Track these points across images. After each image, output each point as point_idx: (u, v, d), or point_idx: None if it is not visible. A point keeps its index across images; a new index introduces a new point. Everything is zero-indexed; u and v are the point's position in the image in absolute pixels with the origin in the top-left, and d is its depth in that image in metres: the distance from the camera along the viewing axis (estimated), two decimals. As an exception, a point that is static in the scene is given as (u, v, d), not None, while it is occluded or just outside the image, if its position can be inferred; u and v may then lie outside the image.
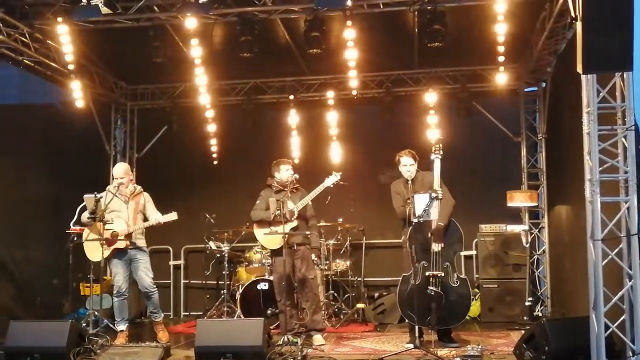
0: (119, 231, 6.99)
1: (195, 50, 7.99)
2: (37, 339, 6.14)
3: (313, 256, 7.44)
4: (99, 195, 6.75)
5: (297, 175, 7.14)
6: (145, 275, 7.14)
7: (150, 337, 7.37)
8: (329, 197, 7.30)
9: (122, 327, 7.17)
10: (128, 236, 7.05)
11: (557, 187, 8.81)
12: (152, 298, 7.22)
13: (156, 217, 7.11)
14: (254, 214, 7.20)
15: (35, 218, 8.87)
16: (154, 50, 7.65)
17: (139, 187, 7.35)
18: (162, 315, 7.44)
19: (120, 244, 7.00)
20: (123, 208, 7.12)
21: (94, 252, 7.00)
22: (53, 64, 8.28)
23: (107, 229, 6.80)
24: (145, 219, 7.19)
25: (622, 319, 5.10)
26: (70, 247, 8.12)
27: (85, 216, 6.94)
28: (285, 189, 7.05)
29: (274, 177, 7.27)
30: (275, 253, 7.16)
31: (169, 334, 7.56)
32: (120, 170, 7.24)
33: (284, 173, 7.17)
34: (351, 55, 7.76)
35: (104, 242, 6.72)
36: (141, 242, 7.20)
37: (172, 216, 7.09)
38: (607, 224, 5.11)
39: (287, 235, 6.71)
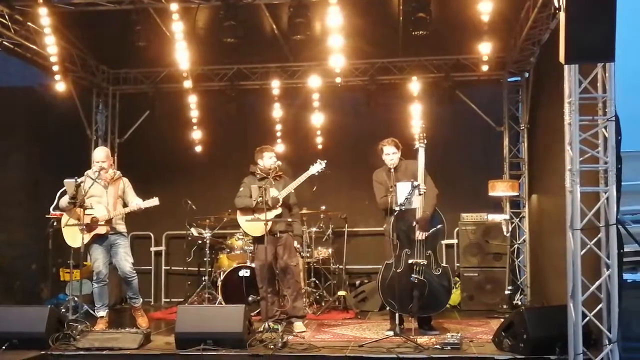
0: (99, 217, 6.93)
1: (179, 35, 7.90)
2: (15, 324, 6.11)
3: (295, 243, 7.44)
4: (79, 180, 6.68)
5: (280, 162, 7.12)
6: (125, 261, 7.08)
7: (130, 323, 7.35)
8: (315, 187, 7.29)
9: (102, 313, 7.12)
10: (108, 222, 6.99)
11: (538, 176, 8.87)
12: (132, 283, 7.17)
13: (137, 202, 7.04)
14: (238, 200, 7.18)
15: (14, 202, 8.77)
16: (136, 34, 7.53)
17: (118, 172, 7.29)
18: (141, 300, 7.40)
19: (101, 230, 6.95)
20: (103, 193, 7.05)
21: (74, 237, 6.94)
22: (33, 47, 8.14)
23: (87, 215, 6.75)
24: (125, 205, 7.13)
25: (599, 307, 5.16)
26: (50, 232, 8.05)
27: (64, 201, 6.86)
28: (269, 176, 7.03)
29: (257, 164, 7.24)
30: (258, 240, 7.15)
31: (149, 320, 7.53)
32: (102, 154, 7.16)
33: (267, 160, 7.15)
34: (335, 42, 7.71)
35: (84, 227, 6.67)
36: (121, 227, 7.15)
37: (154, 201, 7.02)
38: (586, 214, 5.16)
39: (269, 223, 6.70)
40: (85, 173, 7.11)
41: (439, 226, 6.62)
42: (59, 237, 7.45)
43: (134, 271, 7.19)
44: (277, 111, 9.93)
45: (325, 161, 6.97)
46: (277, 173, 7.14)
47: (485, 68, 8.72)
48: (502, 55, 9.11)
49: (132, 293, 7.25)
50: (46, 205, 7.58)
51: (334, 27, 7.32)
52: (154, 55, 8.88)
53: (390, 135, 6.90)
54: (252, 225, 7.00)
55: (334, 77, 9.35)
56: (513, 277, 8.99)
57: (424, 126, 6.77)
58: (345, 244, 9.16)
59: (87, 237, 6.83)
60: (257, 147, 7.34)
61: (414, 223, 6.49)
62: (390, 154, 6.70)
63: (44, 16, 7.44)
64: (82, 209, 6.61)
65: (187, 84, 9.29)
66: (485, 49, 8.01)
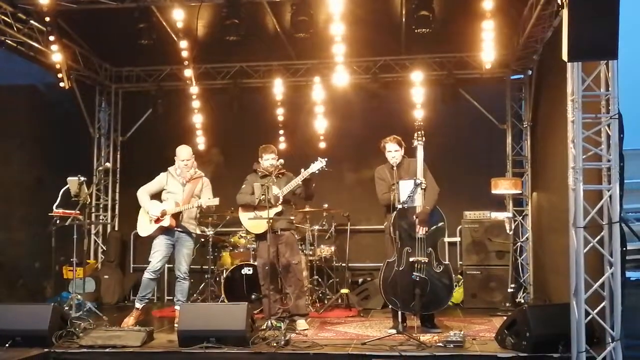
0: (167, 209, 7.04)
1: (182, 33, 7.91)
2: (19, 322, 6.11)
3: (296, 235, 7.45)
4: (82, 178, 6.71)
5: (282, 161, 7.12)
6: (184, 261, 7.20)
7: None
8: (314, 184, 7.28)
9: (138, 305, 7.20)
10: (175, 217, 7.07)
11: (541, 174, 8.85)
12: (183, 285, 7.23)
13: (200, 200, 7.13)
14: (239, 197, 7.19)
15: (18, 200, 8.79)
16: (139, 32, 7.55)
17: (199, 172, 7.39)
18: None
19: (165, 222, 7.04)
20: (179, 190, 7.20)
21: (143, 227, 7.17)
22: (36, 45, 8.17)
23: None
24: None
25: (602, 305, 5.16)
26: (53, 230, 8.05)
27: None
28: (271, 174, 7.03)
29: (260, 162, 7.24)
30: (260, 238, 7.15)
31: (153, 318, 7.55)
32: (187, 153, 7.28)
33: (265, 162, 7.14)
34: (338, 39, 7.71)
35: (151, 218, 6.96)
36: (191, 227, 7.27)
37: (215, 201, 7.12)
38: (589, 212, 5.15)
39: (271, 220, 6.70)
40: (168, 169, 7.32)
41: (440, 224, 6.61)
42: (63, 235, 7.47)
43: (187, 275, 7.25)
44: (279, 109, 9.93)
45: (326, 159, 6.94)
46: (279, 171, 7.14)
47: (488, 66, 8.69)
48: (505, 53, 9.09)
49: (180, 296, 7.25)
50: (49, 203, 7.61)
51: (336, 25, 7.32)
52: (157, 53, 8.90)
53: (393, 133, 6.87)
54: (253, 223, 7.00)
55: (336, 75, 9.33)
56: (516, 275, 8.99)
57: (421, 124, 6.75)
58: (348, 241, 9.16)
59: (154, 227, 7.03)
60: (259, 145, 7.33)
61: (415, 217, 6.48)
62: (392, 151, 6.69)
63: (47, 14, 7.44)
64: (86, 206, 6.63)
65: (194, 89, 9.37)
66: (488, 46, 7.96)
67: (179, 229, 7.12)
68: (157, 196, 7.28)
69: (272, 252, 6.95)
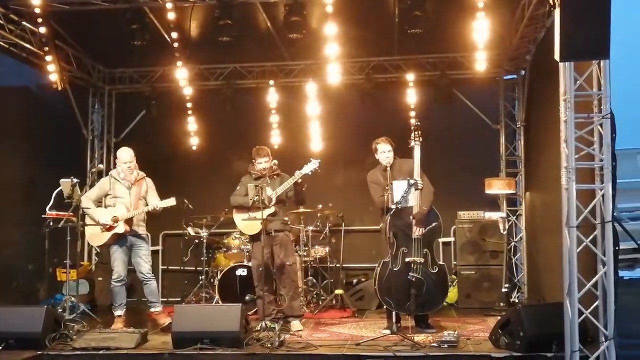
0: (119, 216, 6.94)
1: (174, 34, 7.89)
2: (12, 324, 6.10)
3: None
4: (75, 180, 6.69)
5: (276, 161, 7.12)
6: (144, 262, 7.13)
7: (128, 323, 7.30)
8: (305, 186, 7.28)
9: (119, 312, 7.15)
10: (128, 222, 7.00)
11: (535, 174, 8.87)
12: (150, 286, 7.18)
13: (154, 202, 7.06)
14: (233, 199, 7.19)
15: (10, 202, 8.73)
16: (131, 33, 7.53)
17: (142, 173, 7.33)
18: (161, 306, 7.33)
19: (119, 229, 6.96)
20: (126, 194, 7.09)
21: (93, 237, 7.04)
22: (28, 46, 8.13)
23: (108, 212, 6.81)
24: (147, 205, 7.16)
25: (595, 305, 5.18)
26: (46, 232, 8.02)
27: (86, 197, 6.98)
28: (264, 176, 7.04)
29: (253, 164, 7.24)
30: (254, 239, 7.15)
31: (147, 320, 7.52)
32: (128, 155, 7.20)
33: (258, 165, 7.13)
34: (331, 40, 7.72)
35: (103, 227, 6.82)
36: (142, 229, 7.18)
37: (170, 201, 7.05)
38: (582, 211, 5.16)
39: (265, 221, 6.70)
40: (110, 173, 7.20)
41: (434, 223, 6.62)
42: (56, 237, 7.43)
43: (152, 274, 7.22)
44: (273, 110, 9.92)
45: (319, 160, 6.95)
46: (274, 172, 7.14)
47: (481, 66, 8.71)
48: (498, 53, 9.10)
49: (151, 297, 7.21)
50: (42, 205, 7.59)
51: (329, 26, 7.32)
52: (150, 55, 8.89)
53: (386, 133, 6.89)
54: (247, 224, 7.00)
55: (329, 75, 9.33)
56: (510, 275, 9.00)
57: (418, 124, 6.77)
58: (342, 242, 9.15)
59: (108, 235, 6.91)
60: (252, 146, 7.33)
61: (411, 218, 6.48)
62: (385, 151, 6.70)
63: (38, 15, 7.41)
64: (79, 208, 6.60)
65: (187, 90, 9.39)
66: (481, 46, 7.97)
67: (130, 234, 7.05)
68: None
69: (267, 253, 6.95)
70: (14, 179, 8.84)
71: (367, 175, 6.87)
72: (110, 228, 6.95)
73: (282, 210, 7.15)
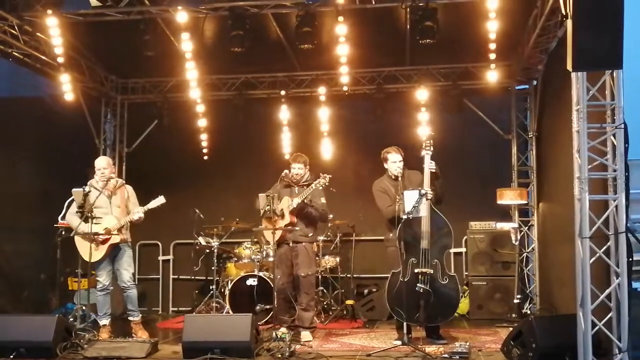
0: (110, 227, 6.92)
1: (186, 45, 7.95)
2: (23, 333, 6.11)
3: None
4: (87, 189, 6.72)
5: (328, 175, 7.09)
6: (126, 270, 7.09)
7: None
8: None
9: (104, 321, 7.13)
10: (120, 230, 6.99)
11: (547, 184, 8.83)
12: (130, 295, 7.14)
13: (137, 213, 6.96)
14: (257, 203, 7.19)
15: (24, 212, 8.82)
16: (144, 44, 7.58)
17: (120, 180, 7.32)
18: (140, 315, 7.31)
19: (115, 239, 6.95)
20: (107, 204, 7.04)
21: (91, 253, 6.92)
22: (42, 57, 8.21)
23: (97, 225, 6.76)
24: (129, 212, 7.10)
25: (609, 316, 5.12)
26: (58, 241, 8.08)
27: (71, 213, 6.90)
28: (293, 185, 7.11)
29: (289, 171, 7.28)
30: (278, 247, 7.18)
31: (157, 329, 7.52)
32: (103, 162, 7.19)
33: (292, 170, 7.23)
34: (343, 51, 7.75)
35: (95, 240, 6.74)
36: (127, 235, 7.15)
37: (160, 200, 6.98)
38: (595, 222, 5.12)
39: (279, 231, 6.72)
40: (89, 183, 7.07)
41: (445, 229, 6.54)
42: (68, 246, 7.47)
43: (133, 282, 7.18)
44: (284, 120, 9.94)
45: (330, 176, 6.98)
46: (305, 182, 7.18)
47: (493, 76, 8.69)
48: (510, 63, 9.09)
49: (131, 306, 7.17)
50: (55, 214, 7.63)
51: (341, 36, 7.34)
52: (162, 65, 8.96)
53: (397, 143, 6.90)
54: (268, 232, 7.05)
55: (341, 86, 9.36)
56: (522, 286, 8.94)
57: (431, 134, 6.77)
58: (353, 252, 9.13)
59: (104, 248, 6.88)
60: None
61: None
62: (397, 161, 6.70)
63: (52, 27, 7.51)
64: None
65: (200, 108, 9.48)
66: (493, 57, 7.97)
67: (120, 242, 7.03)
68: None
69: (286, 263, 6.98)
70: (26, 188, 8.92)
71: (372, 185, 6.86)
72: (104, 241, 6.90)
73: (306, 222, 7.15)
